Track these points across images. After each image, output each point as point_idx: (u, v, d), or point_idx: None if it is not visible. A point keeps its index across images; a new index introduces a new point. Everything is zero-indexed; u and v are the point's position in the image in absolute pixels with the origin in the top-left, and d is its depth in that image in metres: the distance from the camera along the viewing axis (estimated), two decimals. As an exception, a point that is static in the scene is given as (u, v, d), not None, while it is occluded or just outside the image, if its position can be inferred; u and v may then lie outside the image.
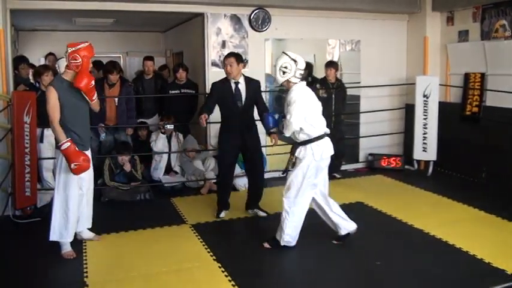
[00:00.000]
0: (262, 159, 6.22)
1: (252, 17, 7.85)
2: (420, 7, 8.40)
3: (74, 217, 4.87)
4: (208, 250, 4.95)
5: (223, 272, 4.47)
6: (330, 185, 6.61)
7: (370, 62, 8.66)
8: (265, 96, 8.16)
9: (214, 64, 7.80)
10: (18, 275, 4.52)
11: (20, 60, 7.35)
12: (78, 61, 4.57)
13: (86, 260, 4.76)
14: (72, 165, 4.56)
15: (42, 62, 8.99)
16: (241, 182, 7.26)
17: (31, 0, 6.68)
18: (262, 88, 7.90)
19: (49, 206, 6.14)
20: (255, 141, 5.99)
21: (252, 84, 5.95)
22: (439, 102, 7.92)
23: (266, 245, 5.00)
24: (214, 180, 7.23)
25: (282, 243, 4.90)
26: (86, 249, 5.03)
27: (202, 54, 7.90)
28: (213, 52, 7.80)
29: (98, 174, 7.17)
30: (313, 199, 5.01)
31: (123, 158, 6.88)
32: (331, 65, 7.90)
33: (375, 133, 8.59)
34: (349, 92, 8.32)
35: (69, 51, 4.60)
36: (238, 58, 5.83)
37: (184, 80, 7.82)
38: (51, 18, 8.97)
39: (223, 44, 7.82)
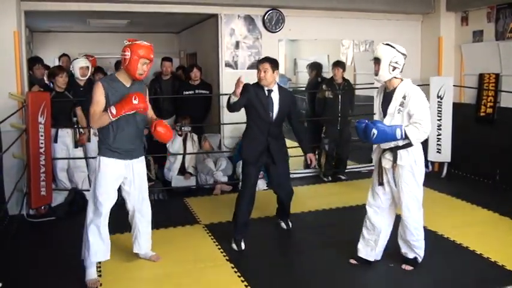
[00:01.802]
0: (288, 175, 5.54)
1: (265, 17, 7.85)
2: (434, 7, 8.36)
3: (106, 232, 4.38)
4: (222, 250, 4.96)
5: (236, 272, 4.48)
6: (338, 186, 6.64)
7: (384, 62, 8.62)
8: (278, 97, 8.19)
9: (228, 65, 7.82)
10: (32, 273, 4.55)
11: (34, 61, 7.40)
12: (126, 53, 4.07)
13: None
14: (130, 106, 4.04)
15: (57, 63, 9.04)
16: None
17: (45, 1, 6.72)
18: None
19: (63, 206, 6.23)
20: (282, 156, 5.30)
21: (286, 94, 5.25)
22: (453, 103, 7.86)
23: (408, 267, 4.50)
24: (225, 181, 7.27)
25: (420, 260, 4.54)
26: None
27: (216, 55, 7.93)
28: (226, 53, 7.81)
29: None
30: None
31: (137, 159, 6.91)
32: (338, 64, 7.86)
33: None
34: (363, 92, 8.30)
35: (125, 44, 4.18)
36: (274, 65, 5.09)
37: (198, 80, 7.83)
38: (66, 19, 9.03)
39: (237, 45, 7.83)
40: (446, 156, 7.92)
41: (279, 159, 5.22)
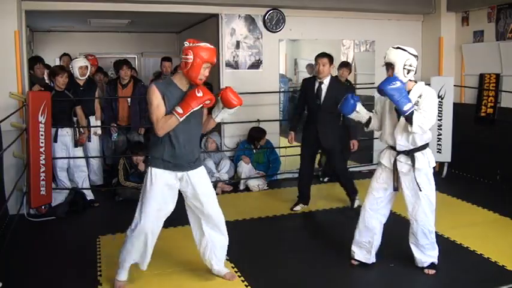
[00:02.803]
0: (338, 157, 6.27)
1: (266, 17, 7.85)
2: (435, 7, 8.36)
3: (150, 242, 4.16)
4: (223, 250, 4.97)
5: (236, 272, 4.49)
6: (338, 186, 6.64)
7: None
8: (279, 97, 8.20)
9: (228, 65, 7.81)
10: (32, 273, 4.55)
11: (35, 60, 7.41)
12: (189, 57, 3.71)
13: (99, 258, 4.80)
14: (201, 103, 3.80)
15: (57, 62, 9.04)
16: (255, 183, 7.27)
17: (46, 1, 6.72)
18: (276, 89, 7.95)
19: (63, 205, 6.23)
20: (331, 142, 6.07)
21: (337, 85, 6.09)
22: (454, 103, 7.86)
23: (431, 271, 4.46)
24: (226, 182, 7.28)
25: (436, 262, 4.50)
26: (99, 248, 5.07)
27: (217, 54, 7.89)
28: (227, 53, 7.81)
29: (112, 174, 7.28)
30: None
31: (138, 158, 6.92)
32: (345, 65, 7.84)
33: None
34: (364, 92, 8.29)
35: (185, 46, 3.83)
36: (331, 59, 6.05)
37: (198, 80, 7.83)
38: (66, 19, 9.02)
39: (238, 45, 7.83)
40: (446, 156, 7.91)
41: (327, 143, 6.02)
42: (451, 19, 8.40)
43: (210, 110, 4.15)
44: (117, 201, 6.75)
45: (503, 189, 7.11)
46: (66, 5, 6.88)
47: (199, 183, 4.12)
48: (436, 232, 5.06)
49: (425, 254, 4.44)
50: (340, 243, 5.04)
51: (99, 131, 7.38)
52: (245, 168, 7.35)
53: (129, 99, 7.40)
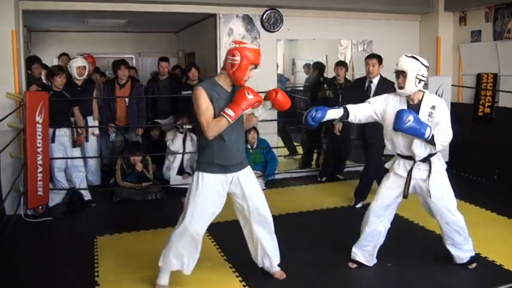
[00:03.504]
0: (376, 153, 6.37)
1: (264, 17, 7.85)
2: (433, 7, 8.37)
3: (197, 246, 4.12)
4: (220, 250, 4.96)
5: (234, 272, 4.48)
6: (335, 186, 6.64)
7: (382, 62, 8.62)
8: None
9: (226, 65, 7.79)
10: (29, 274, 4.54)
11: (33, 60, 7.41)
12: (236, 58, 3.70)
13: (97, 259, 4.78)
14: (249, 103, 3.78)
15: (55, 62, 9.03)
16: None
17: (43, 1, 6.72)
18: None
19: (61, 206, 6.23)
20: (375, 138, 6.02)
21: (385, 85, 6.16)
22: (451, 103, 7.85)
23: (472, 265, 4.52)
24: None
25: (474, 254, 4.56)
26: (97, 248, 5.06)
27: (214, 55, 7.92)
28: (225, 53, 7.77)
29: (110, 174, 7.27)
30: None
31: (135, 158, 6.92)
32: (341, 64, 7.85)
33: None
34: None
35: (231, 47, 3.84)
36: (380, 60, 6.40)
37: (196, 80, 7.81)
38: (64, 19, 9.00)
39: (235, 45, 7.81)
40: (444, 155, 7.87)
41: (370, 139, 6.28)
42: (448, 19, 8.41)
43: None
44: (115, 202, 6.74)
45: (501, 188, 7.11)
46: (63, 4, 6.87)
47: (249, 184, 4.11)
48: (433, 232, 5.09)
49: (463, 249, 4.48)
50: (339, 243, 5.03)
51: (96, 131, 7.38)
52: (242, 168, 7.33)
53: (126, 99, 7.38)
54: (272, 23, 7.92)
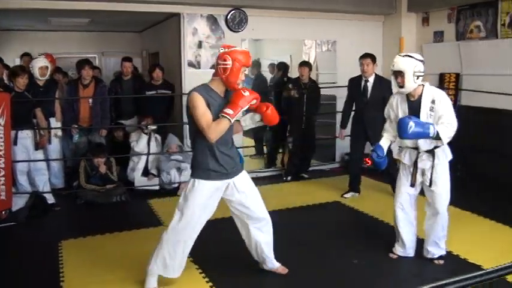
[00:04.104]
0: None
1: (228, 17, 7.82)
2: (396, 8, 8.47)
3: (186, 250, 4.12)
4: (186, 252, 4.93)
5: (201, 273, 4.46)
6: (301, 185, 6.66)
7: (346, 62, 8.66)
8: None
9: (190, 64, 7.76)
10: (-8, 279, 4.45)
11: (-6, 60, 7.27)
12: (227, 62, 3.69)
13: (62, 263, 4.70)
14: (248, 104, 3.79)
15: (18, 62, 8.85)
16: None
17: (4, -1, 6.59)
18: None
19: (24, 210, 6.11)
20: (376, 135, 6.07)
21: (381, 83, 6.57)
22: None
23: (440, 261, 4.64)
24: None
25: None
26: (62, 253, 4.97)
27: (179, 54, 7.86)
28: (189, 52, 7.75)
29: (73, 177, 7.16)
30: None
31: (99, 160, 6.83)
32: (305, 64, 7.87)
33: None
34: (326, 92, 8.34)
35: (221, 51, 3.81)
36: (374, 59, 6.66)
37: (160, 80, 7.76)
38: (26, 18, 8.83)
39: (200, 45, 7.78)
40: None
41: (373, 138, 6.31)
42: (411, 19, 8.53)
43: None
44: (79, 204, 6.65)
45: (463, 184, 7.20)
46: (25, 3, 6.75)
47: (245, 188, 4.11)
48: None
49: (440, 246, 4.63)
50: (304, 242, 5.07)
51: (59, 133, 7.24)
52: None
53: (90, 100, 7.28)
54: (237, 23, 7.90)
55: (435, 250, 4.63)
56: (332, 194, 7.00)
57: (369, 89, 6.65)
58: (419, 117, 4.31)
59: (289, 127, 8.02)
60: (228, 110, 3.69)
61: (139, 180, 7.31)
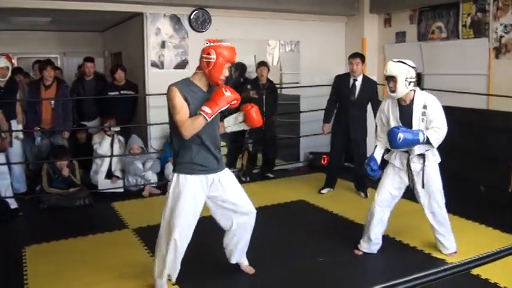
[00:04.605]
0: (365, 150, 6.88)
1: (192, 17, 7.78)
2: (358, 9, 8.56)
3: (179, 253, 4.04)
4: (151, 255, 4.86)
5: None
6: (266, 185, 6.69)
7: (309, 62, 8.75)
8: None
9: (153, 65, 7.70)
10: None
11: None
12: (211, 56, 3.66)
13: (26, 270, 4.61)
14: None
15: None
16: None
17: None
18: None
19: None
20: (358, 133, 6.82)
21: (368, 83, 6.82)
22: (378, 101, 8.05)
23: (454, 255, 4.77)
24: (155, 185, 7.19)
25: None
26: (25, 259, 4.88)
27: (142, 54, 7.80)
28: (152, 52, 7.70)
29: (36, 180, 7.03)
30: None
31: (61, 163, 6.73)
32: (263, 65, 7.91)
33: (315, 132, 8.61)
34: (290, 92, 8.38)
35: (206, 45, 3.76)
36: (363, 59, 6.83)
37: (123, 81, 7.69)
38: (-16, 16, 8.65)
39: (163, 45, 7.73)
40: (371, 151, 8.06)
41: (355, 136, 6.75)
42: (373, 21, 8.65)
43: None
44: (42, 209, 6.50)
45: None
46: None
47: (229, 185, 4.11)
48: (362, 225, 5.19)
49: (449, 240, 4.76)
50: (265, 242, 5.07)
51: (21, 135, 7.05)
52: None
53: (52, 101, 7.16)
54: (200, 23, 7.87)
55: (448, 244, 4.75)
56: (296, 193, 7.04)
57: (357, 88, 6.76)
58: (411, 122, 4.46)
59: (248, 129, 8.03)
60: (206, 109, 3.65)
61: (103, 183, 7.19)
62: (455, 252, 4.74)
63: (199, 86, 3.82)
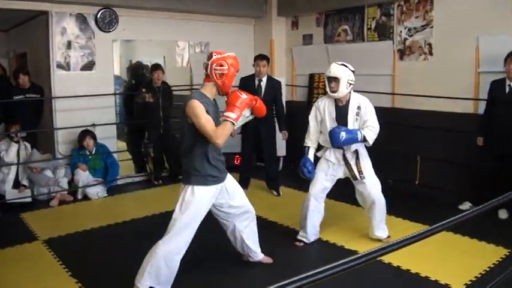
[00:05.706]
0: (275, 149, 7.28)
1: (98, 16, 7.57)
2: (266, 12, 8.71)
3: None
4: (64, 266, 4.73)
5: (81, 287, 4.30)
6: (177, 187, 6.62)
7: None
8: (114, 100, 8.01)
9: (59, 66, 7.42)
10: None
11: None
12: (224, 67, 3.81)
13: None
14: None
15: None
16: (94, 191, 7.03)
17: None
18: (110, 91, 7.77)
19: None
20: (269, 132, 7.07)
21: (273, 83, 7.06)
22: (286, 101, 8.21)
23: (389, 240, 5.05)
24: (66, 192, 6.98)
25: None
26: None
27: (47, 55, 7.49)
28: (58, 53, 7.42)
29: None
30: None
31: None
32: (159, 67, 7.78)
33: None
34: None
35: (214, 57, 3.87)
36: (269, 61, 7.09)
37: (28, 84, 7.36)
38: None
39: (69, 45, 7.47)
40: (282, 150, 8.25)
41: (266, 135, 7.02)
42: (281, 23, 8.84)
43: None
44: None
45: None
46: None
47: (233, 189, 4.24)
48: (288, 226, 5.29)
49: (385, 229, 5.17)
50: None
51: None
52: (82, 176, 7.04)
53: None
54: (107, 23, 7.67)
55: (382, 233, 5.12)
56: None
57: (263, 87, 6.94)
58: (347, 121, 4.85)
59: (147, 134, 8.05)
60: (230, 114, 3.79)
61: (11, 193, 6.80)
62: (389, 236, 5.12)
63: (210, 98, 3.93)
